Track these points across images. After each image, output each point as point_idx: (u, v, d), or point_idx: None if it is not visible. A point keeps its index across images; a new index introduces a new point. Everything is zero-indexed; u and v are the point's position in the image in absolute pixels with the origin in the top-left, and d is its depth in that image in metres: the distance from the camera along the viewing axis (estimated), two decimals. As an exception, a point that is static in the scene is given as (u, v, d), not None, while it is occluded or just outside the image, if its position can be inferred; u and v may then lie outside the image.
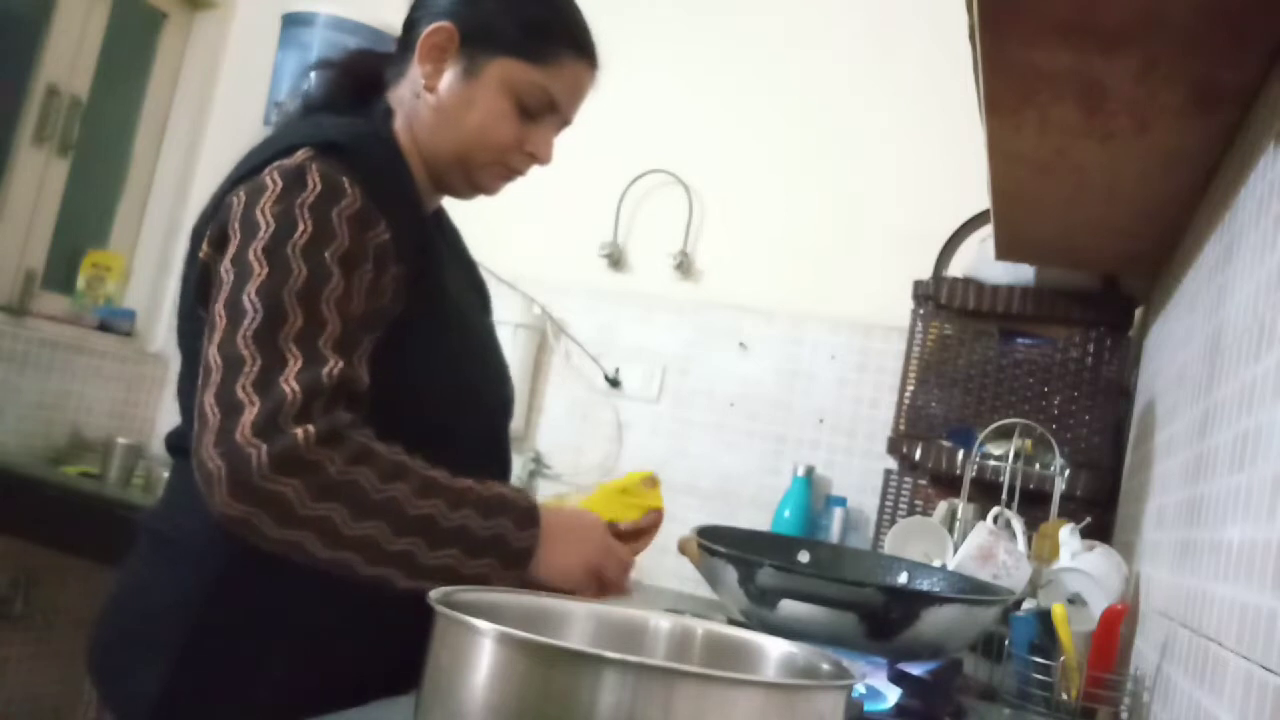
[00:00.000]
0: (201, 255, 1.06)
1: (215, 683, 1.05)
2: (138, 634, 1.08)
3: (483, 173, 1.22)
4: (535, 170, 1.27)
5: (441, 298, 1.15)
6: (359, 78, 1.23)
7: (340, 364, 0.98)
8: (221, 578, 1.06)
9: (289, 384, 0.94)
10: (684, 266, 2.73)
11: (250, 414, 0.93)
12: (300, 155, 1.04)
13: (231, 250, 1.01)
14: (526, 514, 1.06)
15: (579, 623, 0.80)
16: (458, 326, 1.19)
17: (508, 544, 1.03)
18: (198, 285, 1.06)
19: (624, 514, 1.24)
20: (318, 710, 0.85)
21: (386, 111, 1.20)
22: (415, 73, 1.19)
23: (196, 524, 1.03)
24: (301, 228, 1.00)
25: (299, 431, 0.93)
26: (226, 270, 1.00)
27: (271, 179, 1.03)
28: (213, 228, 1.05)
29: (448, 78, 1.18)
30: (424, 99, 1.18)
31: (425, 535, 0.99)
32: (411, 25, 1.22)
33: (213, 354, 0.96)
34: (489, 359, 1.27)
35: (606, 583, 1.15)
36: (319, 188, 1.02)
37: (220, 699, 1.05)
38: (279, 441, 0.92)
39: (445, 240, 1.30)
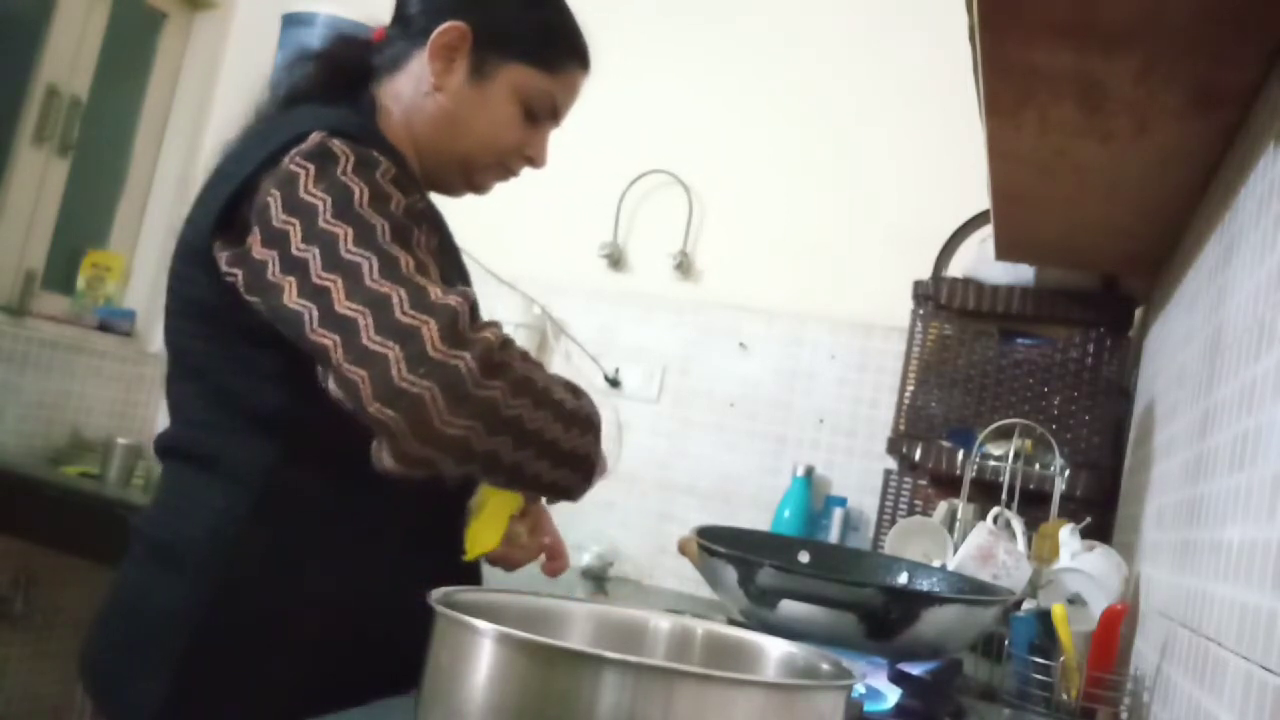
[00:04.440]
0: (218, 255, 1.01)
1: (218, 691, 1.02)
2: (135, 643, 1.05)
3: (483, 174, 1.23)
4: (535, 170, 1.28)
5: (456, 276, 1.14)
6: (342, 68, 1.20)
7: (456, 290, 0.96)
8: (223, 585, 1.02)
9: (446, 301, 0.92)
10: (684, 266, 2.73)
11: (432, 330, 0.89)
12: (316, 137, 1.00)
13: (296, 238, 0.95)
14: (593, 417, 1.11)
15: (579, 623, 0.80)
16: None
17: (595, 424, 1.09)
18: (223, 288, 1.01)
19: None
20: (320, 713, 0.85)
21: (372, 104, 1.18)
22: (418, 68, 1.17)
23: (197, 530, 1.02)
24: (358, 191, 0.97)
25: (487, 335, 0.91)
26: (300, 250, 0.94)
27: (299, 165, 0.99)
28: (232, 233, 1.01)
29: (456, 78, 1.17)
30: (431, 97, 1.17)
31: (570, 422, 1.01)
32: (408, 18, 1.20)
33: (346, 308, 0.91)
34: None
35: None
36: (352, 158, 0.99)
37: (223, 707, 1.03)
38: (477, 348, 0.90)
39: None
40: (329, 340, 0.91)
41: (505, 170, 1.24)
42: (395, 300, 0.91)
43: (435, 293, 0.92)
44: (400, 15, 1.21)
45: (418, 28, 1.17)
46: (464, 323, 0.91)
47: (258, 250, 0.97)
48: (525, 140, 1.22)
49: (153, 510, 1.14)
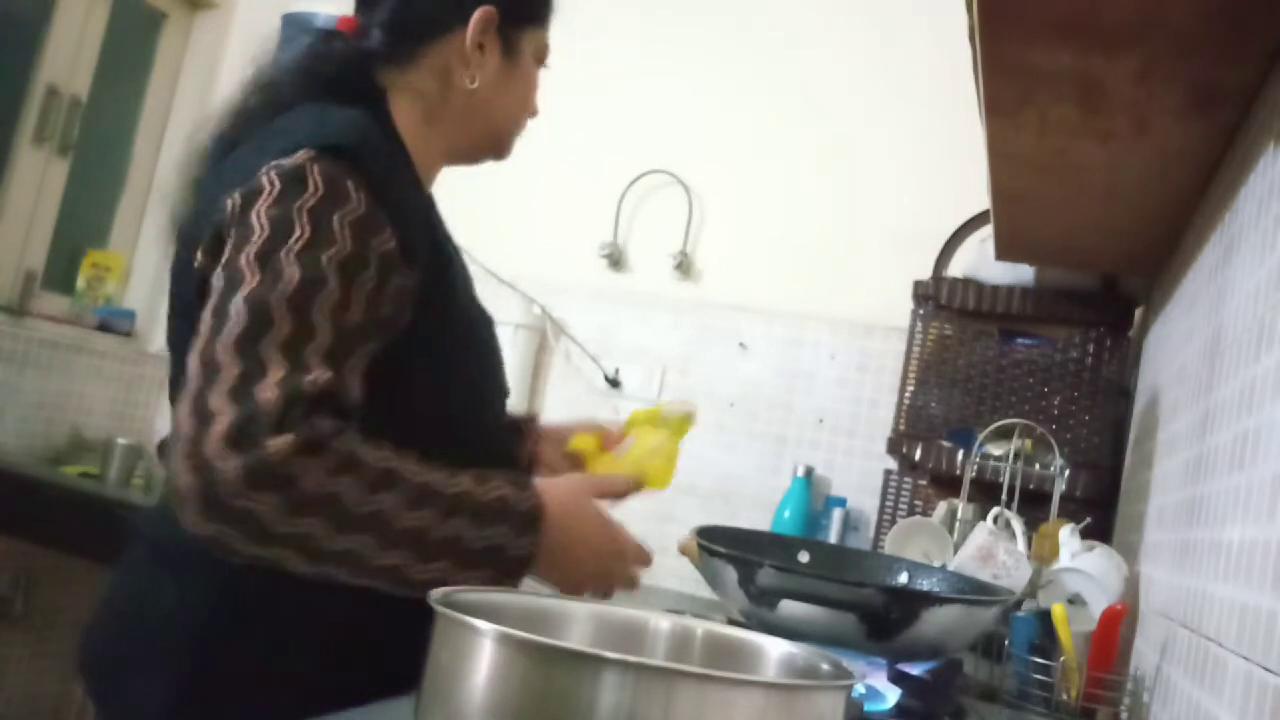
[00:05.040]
0: (196, 264, 1.00)
1: (218, 693, 1.02)
2: (138, 644, 1.04)
3: (514, 140, 1.25)
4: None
5: (450, 303, 1.11)
6: (332, 66, 1.15)
7: (327, 374, 0.91)
8: (224, 587, 1.01)
9: (266, 392, 0.87)
10: (684, 266, 2.73)
11: (222, 424, 0.85)
12: (301, 156, 0.97)
13: (225, 255, 0.95)
14: (526, 518, 0.99)
15: (579, 623, 0.80)
16: (465, 330, 1.15)
17: (504, 553, 0.98)
18: (197, 292, 1.00)
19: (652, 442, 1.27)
20: (321, 713, 0.84)
21: (383, 98, 1.14)
22: (438, 61, 1.14)
23: (195, 550, 1.02)
24: (298, 232, 0.93)
25: (272, 443, 0.85)
26: (218, 276, 0.94)
27: (269, 180, 0.96)
28: (207, 232, 0.99)
29: (491, 62, 1.16)
30: (465, 87, 1.15)
31: (414, 548, 0.93)
32: (397, 8, 1.15)
33: (192, 362, 0.90)
34: (490, 357, 1.24)
35: (612, 584, 1.11)
36: (320, 190, 0.95)
37: (224, 709, 1.02)
38: (251, 454, 0.84)
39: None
40: (183, 387, 0.90)
41: (523, 129, 1.26)
42: (221, 377, 0.88)
43: (271, 379, 0.88)
44: (377, 4, 1.16)
45: (422, 18, 1.15)
46: (261, 424, 0.85)
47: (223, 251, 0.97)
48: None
49: (153, 511, 1.13)
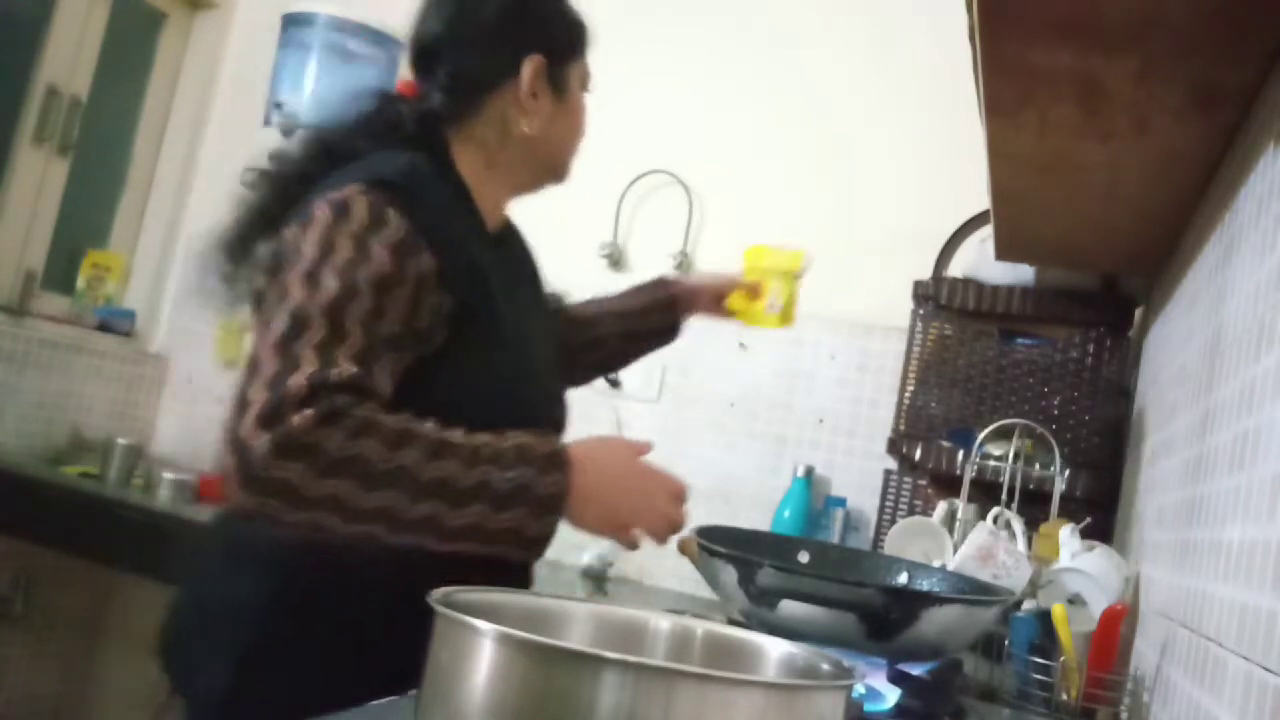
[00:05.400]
0: (257, 285, 1.13)
1: (277, 672, 1.10)
2: (207, 631, 1.16)
3: (571, 164, 1.35)
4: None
5: (495, 322, 1.17)
6: (393, 123, 1.23)
7: (354, 369, 1.00)
8: (283, 579, 1.12)
9: (296, 380, 0.97)
10: (684, 266, 2.73)
11: (255, 409, 0.96)
12: (350, 189, 1.08)
13: (280, 277, 1.06)
14: (550, 458, 1.06)
15: (579, 623, 0.80)
16: (513, 349, 1.20)
17: (532, 491, 1.03)
18: (253, 308, 1.15)
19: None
20: (378, 696, 0.90)
21: (445, 145, 1.23)
22: (495, 113, 1.24)
23: (266, 530, 1.08)
24: (341, 252, 1.04)
25: (296, 418, 0.95)
26: (271, 294, 1.06)
27: (321, 210, 1.07)
28: (272, 260, 1.11)
29: (544, 106, 1.26)
30: (521, 135, 1.25)
31: (444, 497, 1.00)
32: (455, 71, 1.23)
33: (252, 355, 1.01)
34: (542, 381, 1.29)
35: (655, 518, 1.14)
36: (364, 218, 1.06)
37: (286, 688, 1.08)
38: (278, 430, 0.95)
39: (513, 260, 1.36)
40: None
41: None
42: (261, 372, 0.99)
43: (303, 372, 0.98)
44: (434, 70, 1.25)
45: (476, 77, 1.23)
46: (288, 405, 0.96)
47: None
48: None
49: (222, 513, 1.24)
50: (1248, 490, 0.86)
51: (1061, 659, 1.34)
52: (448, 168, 1.21)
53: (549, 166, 1.31)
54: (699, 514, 2.41)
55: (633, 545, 1.16)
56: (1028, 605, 1.50)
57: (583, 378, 1.63)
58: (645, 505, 1.14)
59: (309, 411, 0.96)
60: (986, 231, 2.07)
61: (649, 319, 1.64)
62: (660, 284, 1.64)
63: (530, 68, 1.23)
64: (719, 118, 2.74)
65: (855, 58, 2.63)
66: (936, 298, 2.25)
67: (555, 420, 1.32)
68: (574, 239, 2.81)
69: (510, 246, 1.38)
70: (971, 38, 1.13)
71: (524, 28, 1.25)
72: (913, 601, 1.17)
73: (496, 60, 1.23)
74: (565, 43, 1.28)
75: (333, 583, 1.10)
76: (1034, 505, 1.91)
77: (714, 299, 1.64)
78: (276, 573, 1.13)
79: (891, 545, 1.93)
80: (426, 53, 1.26)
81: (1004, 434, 1.97)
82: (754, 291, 1.63)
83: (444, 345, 1.11)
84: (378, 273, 1.04)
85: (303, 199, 1.13)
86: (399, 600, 1.03)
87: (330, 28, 2.78)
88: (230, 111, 3.17)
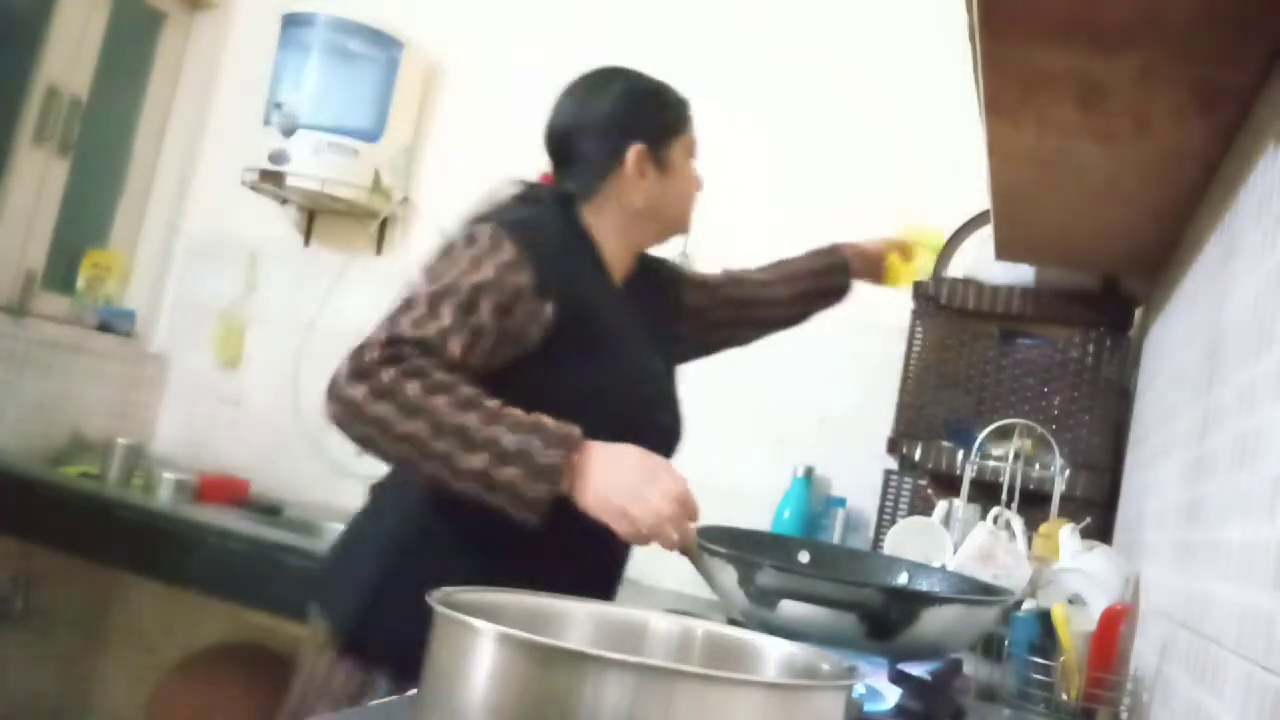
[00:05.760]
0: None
1: (401, 597, 1.17)
2: (354, 566, 1.41)
3: (690, 218, 1.56)
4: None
5: (598, 331, 1.39)
6: (539, 200, 1.48)
7: (432, 335, 1.24)
8: (409, 521, 1.39)
9: (382, 334, 1.24)
10: (684, 266, 2.72)
11: (363, 350, 1.24)
12: (480, 224, 1.36)
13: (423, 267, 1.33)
14: (560, 437, 1.21)
15: (579, 623, 0.80)
16: (614, 358, 1.42)
17: (533, 458, 1.20)
18: None
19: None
20: None
21: (575, 209, 1.47)
22: (613, 191, 1.47)
23: (401, 487, 1.41)
24: (459, 263, 1.30)
25: (369, 355, 1.23)
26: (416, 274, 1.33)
27: (459, 237, 1.36)
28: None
29: (650, 183, 1.47)
30: (630, 207, 1.47)
31: (460, 440, 1.20)
32: (579, 160, 1.47)
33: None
34: (648, 389, 1.49)
35: (647, 510, 1.21)
36: (485, 243, 1.33)
37: (406, 611, 1.16)
38: (357, 362, 1.23)
39: (638, 297, 1.52)
40: None
41: None
42: (369, 335, 1.26)
43: (402, 322, 1.26)
44: (566, 160, 1.49)
45: (593, 164, 1.47)
46: (370, 345, 1.24)
47: None
48: None
49: (386, 475, 1.47)
50: (1248, 490, 0.86)
51: (1061, 659, 1.34)
52: (573, 223, 1.45)
53: (668, 226, 1.54)
54: (699, 514, 2.39)
55: (638, 538, 1.24)
56: (1028, 605, 1.50)
57: (754, 335, 1.94)
58: (643, 495, 1.21)
59: (378, 353, 1.22)
60: (986, 231, 2.07)
61: (825, 279, 1.90)
62: (834, 248, 1.90)
63: (634, 155, 1.45)
64: (717, 117, 2.73)
65: (854, 57, 2.63)
66: (936, 298, 2.25)
67: (662, 427, 1.49)
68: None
69: (638, 290, 1.55)
70: (971, 37, 1.13)
71: (628, 121, 1.47)
72: (913, 601, 1.16)
73: (610, 149, 1.46)
74: (666, 126, 1.49)
75: (448, 531, 1.34)
76: (1034, 505, 1.91)
77: (876, 260, 1.93)
78: (403, 515, 1.39)
79: (891, 545, 1.93)
80: (556, 143, 1.50)
81: (1004, 434, 1.97)
82: (907, 253, 1.96)
83: (547, 347, 1.33)
84: (480, 279, 1.29)
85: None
86: (512, 543, 1.25)
87: (330, 28, 2.78)
88: (230, 111, 3.16)
